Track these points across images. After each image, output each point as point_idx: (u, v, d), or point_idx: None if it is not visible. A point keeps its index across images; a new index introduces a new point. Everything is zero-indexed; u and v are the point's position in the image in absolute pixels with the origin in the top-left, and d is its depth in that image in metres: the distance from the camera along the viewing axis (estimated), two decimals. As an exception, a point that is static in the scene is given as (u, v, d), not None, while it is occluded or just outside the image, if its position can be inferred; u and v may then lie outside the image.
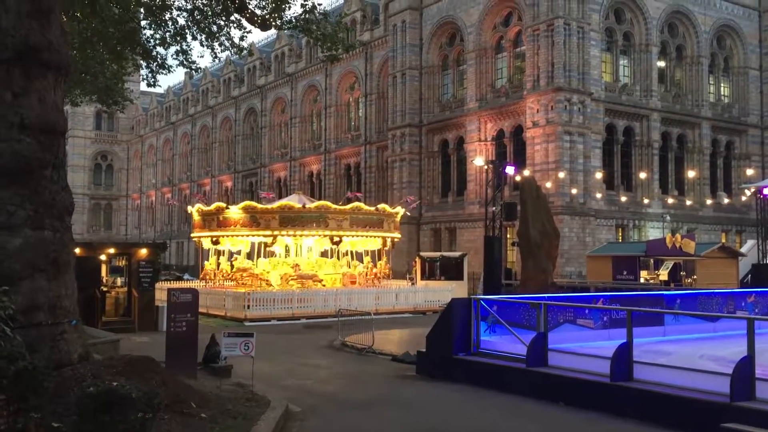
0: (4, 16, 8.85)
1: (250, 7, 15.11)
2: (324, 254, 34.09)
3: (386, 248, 33.55)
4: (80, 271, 10.46)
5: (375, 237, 32.24)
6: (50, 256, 8.78)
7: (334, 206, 31.17)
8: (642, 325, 13.07)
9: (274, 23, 15.12)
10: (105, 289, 22.69)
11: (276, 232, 30.05)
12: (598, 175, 41.54)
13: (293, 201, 32.11)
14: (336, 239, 30.66)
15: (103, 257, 22.81)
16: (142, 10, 17.13)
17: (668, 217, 43.97)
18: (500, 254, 29.23)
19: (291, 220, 29.94)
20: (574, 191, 40.11)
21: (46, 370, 7.93)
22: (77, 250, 14.57)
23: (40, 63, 8.91)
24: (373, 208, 32.02)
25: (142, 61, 18.82)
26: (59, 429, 6.87)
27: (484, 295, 23.83)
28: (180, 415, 8.40)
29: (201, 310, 20.23)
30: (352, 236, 31.40)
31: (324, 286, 30.26)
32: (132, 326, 21.38)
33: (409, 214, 36.61)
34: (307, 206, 30.65)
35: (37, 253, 8.66)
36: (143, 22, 17.69)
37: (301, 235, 30.91)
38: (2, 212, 8.65)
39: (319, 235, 30.88)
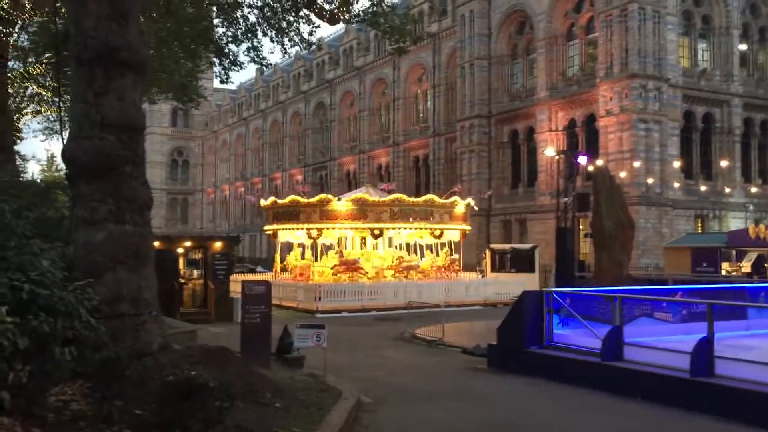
0: (85, 18, 9.21)
1: (319, 2, 15.26)
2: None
3: (458, 240, 33.76)
4: (159, 263, 10.81)
5: (456, 229, 32.99)
6: (131, 249, 9.10)
7: (439, 200, 31.81)
8: (723, 319, 12.58)
9: (342, 17, 15.23)
10: (182, 281, 23.41)
11: (386, 225, 30.65)
12: (676, 164, 40.15)
13: (363, 194, 32.36)
14: (438, 232, 31.33)
15: (180, 250, 23.54)
16: (214, 8, 17.54)
17: (751, 207, 42.13)
18: (572, 246, 28.65)
19: (400, 214, 30.45)
20: (650, 181, 38.91)
21: (129, 358, 8.25)
22: (156, 244, 15.06)
23: (119, 63, 9.22)
24: (465, 202, 32.60)
25: (215, 59, 19.28)
26: (141, 416, 7.12)
27: (556, 287, 23.35)
28: (255, 404, 8.60)
29: (274, 301, 20.57)
30: (448, 229, 32.11)
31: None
32: (208, 317, 21.99)
33: (476, 208, 36.62)
34: (415, 200, 31.47)
35: (119, 246, 8.99)
36: (215, 21, 18.11)
37: (406, 228, 31.60)
38: (86, 207, 9.03)
39: (422, 228, 31.49)
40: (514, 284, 29.74)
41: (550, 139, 44.18)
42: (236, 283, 26.13)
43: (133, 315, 8.90)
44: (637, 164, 38.52)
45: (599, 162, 33.76)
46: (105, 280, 8.70)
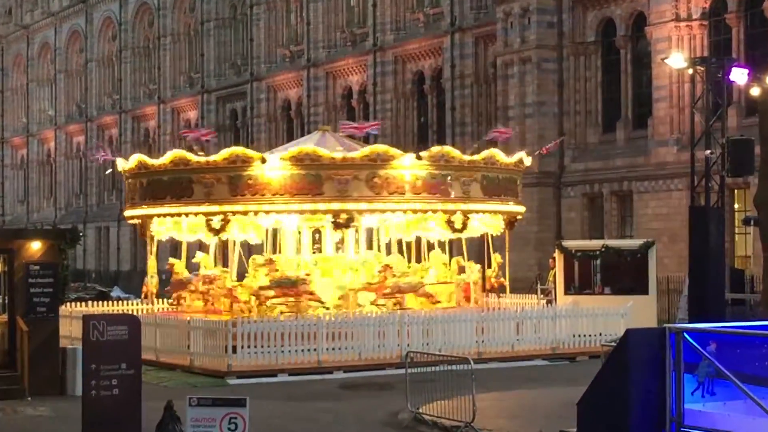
0: None
1: None
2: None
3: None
4: None
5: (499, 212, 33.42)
6: None
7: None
8: None
9: None
10: (-34, 318, 23.30)
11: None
12: None
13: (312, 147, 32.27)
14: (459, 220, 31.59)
15: (-39, 258, 23.42)
16: None
17: None
18: (722, 242, 28.79)
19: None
20: None
21: None
22: None
23: None
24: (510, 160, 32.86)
25: None
26: None
27: (690, 322, 23.52)
28: None
29: (146, 356, 20.55)
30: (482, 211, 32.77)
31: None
32: (19, 387, 21.89)
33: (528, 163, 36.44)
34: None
35: None
36: None
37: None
38: None
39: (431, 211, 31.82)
40: (608, 316, 30.00)
41: (677, 38, 44.22)
42: (73, 319, 26.04)
43: None
44: (843, 83, 38.82)
45: (771, 80, 33.95)
46: None
